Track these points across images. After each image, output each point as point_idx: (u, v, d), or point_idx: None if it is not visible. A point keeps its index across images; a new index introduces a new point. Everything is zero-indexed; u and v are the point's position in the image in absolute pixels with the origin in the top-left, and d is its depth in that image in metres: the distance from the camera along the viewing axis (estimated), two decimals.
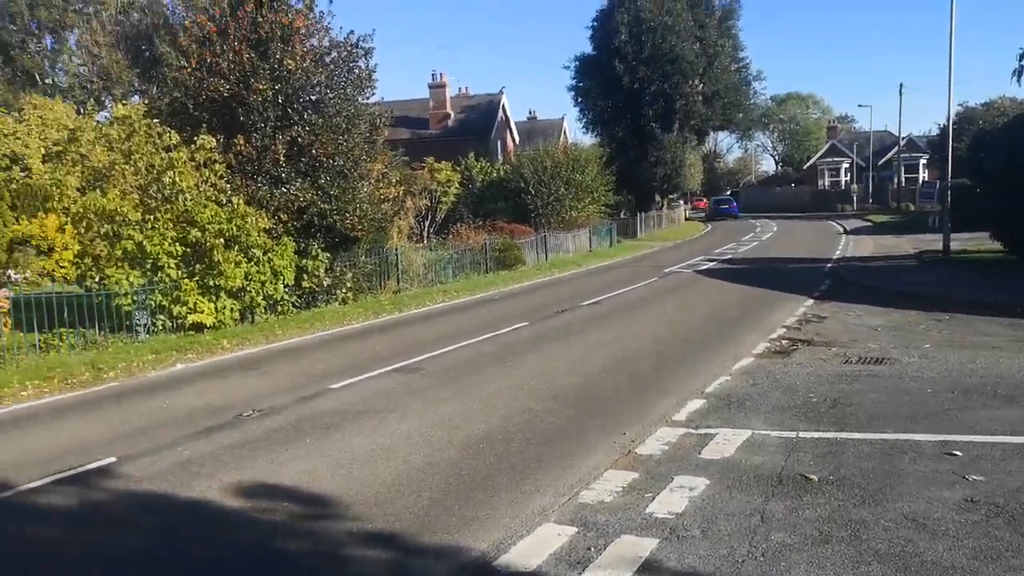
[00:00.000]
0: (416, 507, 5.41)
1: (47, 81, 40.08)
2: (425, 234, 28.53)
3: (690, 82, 42.80)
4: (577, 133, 50.01)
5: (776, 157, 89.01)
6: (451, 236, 25.72)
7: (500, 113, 44.20)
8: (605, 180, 33.52)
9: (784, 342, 11.11)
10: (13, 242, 20.73)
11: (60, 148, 24.31)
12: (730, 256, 27.66)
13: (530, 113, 55.12)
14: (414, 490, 5.75)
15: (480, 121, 42.83)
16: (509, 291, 20.17)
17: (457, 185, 32.76)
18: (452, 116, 42.96)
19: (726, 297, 16.73)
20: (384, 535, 4.99)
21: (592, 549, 4.63)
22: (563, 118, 52.70)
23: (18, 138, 25.29)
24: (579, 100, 45.95)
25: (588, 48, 45.50)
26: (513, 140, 46.73)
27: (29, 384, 9.88)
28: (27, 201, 22.46)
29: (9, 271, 20.19)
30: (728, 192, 73.68)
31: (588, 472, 6.00)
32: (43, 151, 25.43)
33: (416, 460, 6.45)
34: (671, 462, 6.15)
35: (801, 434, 6.71)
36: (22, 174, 24.33)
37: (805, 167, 69.50)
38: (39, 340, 11.57)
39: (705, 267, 23.69)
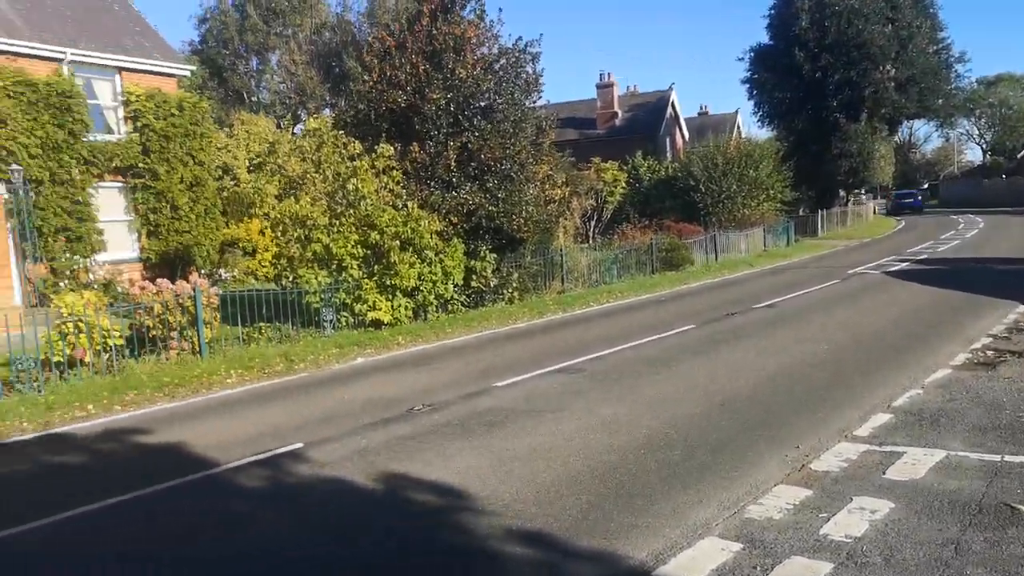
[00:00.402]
0: (574, 509, 5.42)
1: (252, 99, 44.59)
2: (590, 234, 28.53)
3: (880, 68, 39.54)
4: (752, 127, 47.90)
5: (983, 146, 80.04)
6: (616, 236, 25.53)
7: (669, 110, 43.25)
8: (781, 176, 31.77)
9: (989, 353, 9.95)
10: (224, 244, 23.26)
11: (261, 160, 26.94)
12: (926, 256, 25.23)
13: (701, 108, 53.46)
14: (573, 492, 5.76)
15: (648, 119, 42.16)
16: (676, 292, 19.69)
17: (623, 184, 32.48)
18: (619, 115, 42.64)
19: (918, 301, 15.27)
20: (542, 535, 5.05)
21: (758, 568, 4.41)
22: (736, 112, 50.70)
23: (229, 151, 28.29)
24: (754, 93, 44.00)
25: (764, 38, 43.47)
26: (683, 137, 45.60)
27: (234, 372, 11.02)
28: (235, 207, 25.14)
29: (220, 270, 22.63)
30: (925, 185, 67.22)
31: (756, 486, 5.71)
32: (248, 162, 28.31)
33: (576, 462, 6.47)
34: (850, 480, 5.71)
35: (1007, 458, 5.98)
36: (231, 183, 27.22)
37: (1020, 156, 61.84)
38: (242, 333, 12.85)
39: (895, 268, 21.77)
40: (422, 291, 15.10)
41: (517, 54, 16.84)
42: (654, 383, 9.30)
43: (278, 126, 35.34)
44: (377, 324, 14.46)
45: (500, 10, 33.58)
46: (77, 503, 6.07)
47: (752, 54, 43.42)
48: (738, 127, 47.47)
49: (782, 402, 8.11)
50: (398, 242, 14.54)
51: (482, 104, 16.46)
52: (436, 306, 15.61)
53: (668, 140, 43.09)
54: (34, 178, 17.44)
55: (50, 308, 11.05)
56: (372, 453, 7.06)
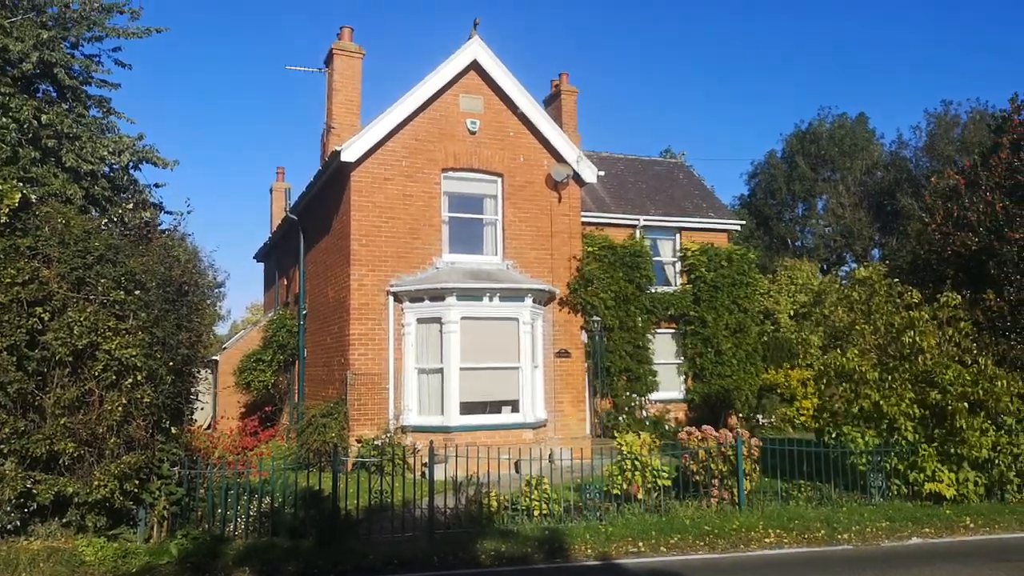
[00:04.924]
0: None
1: (796, 244, 45.21)
2: None
3: None
4: None
5: None
6: None
7: None
8: None
9: None
10: (762, 389, 23.43)
11: (806, 310, 26.76)
12: None
13: None
14: None
15: None
16: None
17: None
18: None
19: None
20: None
21: None
22: None
23: (771, 296, 28.95)
24: None
25: None
26: None
27: (771, 531, 10.66)
28: (775, 353, 25.28)
29: (757, 415, 22.76)
30: None
31: None
32: (791, 311, 28.41)
33: None
34: None
35: None
36: (772, 328, 27.62)
37: None
38: (781, 488, 12.47)
39: None
40: (998, 465, 12.58)
41: None
42: None
43: (823, 270, 34.88)
44: (937, 498, 12.46)
45: None
46: None
47: None
48: None
49: None
50: (965, 404, 12.51)
51: None
52: (1018, 485, 12.76)
53: None
54: (607, 326, 20.54)
55: (614, 442, 12.54)
56: None
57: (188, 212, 12.28)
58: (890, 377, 13.40)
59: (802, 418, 22.54)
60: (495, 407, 16.20)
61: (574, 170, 17.87)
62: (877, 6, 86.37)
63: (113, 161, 13.91)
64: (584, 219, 19.83)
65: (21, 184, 9.86)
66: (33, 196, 9.58)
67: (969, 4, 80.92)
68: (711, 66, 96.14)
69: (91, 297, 8.96)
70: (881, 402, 13.09)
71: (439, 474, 12.54)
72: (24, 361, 8.53)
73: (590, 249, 19.99)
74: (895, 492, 12.79)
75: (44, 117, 12.78)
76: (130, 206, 11.95)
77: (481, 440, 14.67)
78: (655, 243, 23.05)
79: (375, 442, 14.84)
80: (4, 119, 12.32)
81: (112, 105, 14.92)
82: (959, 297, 13.79)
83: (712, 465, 11.97)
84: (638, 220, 22.48)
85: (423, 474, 12.91)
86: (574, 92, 23.78)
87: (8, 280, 8.48)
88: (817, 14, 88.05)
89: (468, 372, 15.82)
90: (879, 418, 13.17)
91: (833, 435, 13.47)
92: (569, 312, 17.90)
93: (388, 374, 16.01)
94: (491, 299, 16.10)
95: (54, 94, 14.05)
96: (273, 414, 22.02)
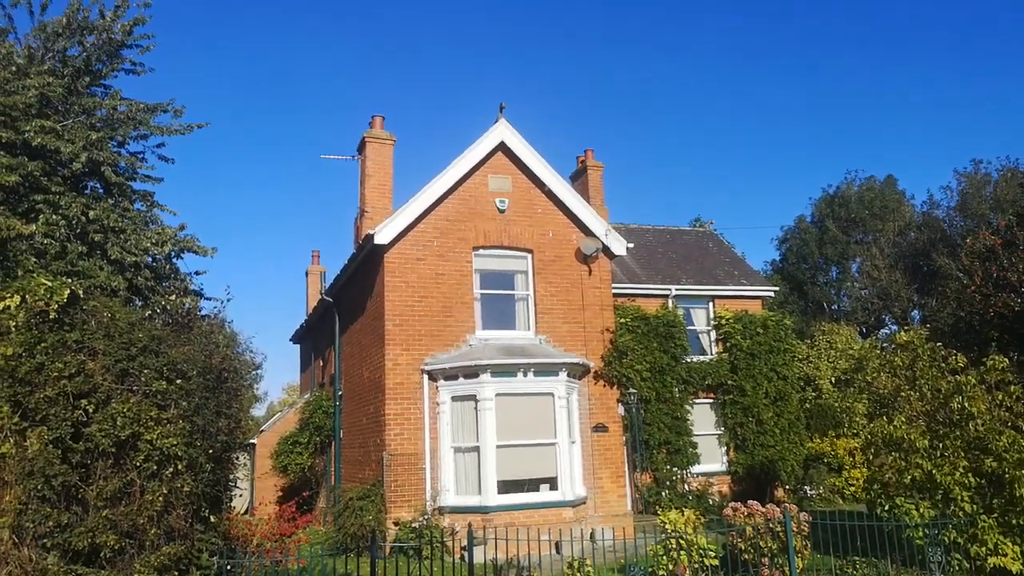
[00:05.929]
0: None
1: (832, 307, 44.55)
2: None
3: None
4: None
5: None
6: None
7: None
8: None
9: None
10: (808, 458, 22.72)
11: (847, 377, 26.16)
12: None
13: None
14: None
15: None
16: None
17: None
18: None
19: None
20: None
21: None
22: None
23: (810, 362, 28.37)
24: None
25: None
26: None
27: None
28: (818, 421, 24.61)
29: (805, 486, 22.01)
30: None
31: None
32: (832, 376, 27.76)
33: None
34: None
35: None
36: (813, 394, 26.95)
37: None
38: (834, 566, 11.93)
39: None
40: None
41: None
42: None
43: (861, 334, 34.21)
44: (1002, 573, 11.79)
45: None
46: None
47: None
48: None
49: None
50: (1022, 471, 11.97)
51: None
52: None
53: None
54: (643, 397, 20.24)
55: (656, 519, 12.19)
56: None
57: (228, 300, 12.56)
58: (941, 445, 12.93)
59: (852, 489, 21.72)
60: (533, 485, 15.91)
61: (603, 243, 18.02)
62: (894, 68, 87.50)
63: (156, 252, 14.40)
64: (615, 291, 19.84)
65: (69, 280, 10.21)
66: (80, 290, 9.90)
67: (989, 63, 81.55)
68: (735, 134, 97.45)
69: (134, 388, 9.11)
70: (934, 471, 12.60)
71: (478, 556, 12.27)
72: (68, 453, 8.64)
73: (623, 321, 19.91)
74: (956, 567, 12.14)
75: (92, 213, 13.35)
76: (172, 296, 12.26)
77: (520, 520, 14.37)
78: (688, 312, 22.88)
79: (412, 524, 14.62)
80: (54, 216, 12.90)
81: (155, 198, 15.56)
82: (1006, 360, 13.39)
83: (761, 543, 11.53)
84: (670, 290, 22.42)
85: (462, 557, 12.63)
86: (600, 167, 24.18)
87: (56, 374, 8.68)
88: (839, 79, 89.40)
89: (504, 450, 15.63)
90: (933, 488, 12.65)
91: (886, 507, 12.94)
92: (604, 385, 17.73)
93: (424, 454, 15.88)
94: (525, 374, 16.04)
95: (101, 190, 14.69)
96: (310, 498, 21.86)
